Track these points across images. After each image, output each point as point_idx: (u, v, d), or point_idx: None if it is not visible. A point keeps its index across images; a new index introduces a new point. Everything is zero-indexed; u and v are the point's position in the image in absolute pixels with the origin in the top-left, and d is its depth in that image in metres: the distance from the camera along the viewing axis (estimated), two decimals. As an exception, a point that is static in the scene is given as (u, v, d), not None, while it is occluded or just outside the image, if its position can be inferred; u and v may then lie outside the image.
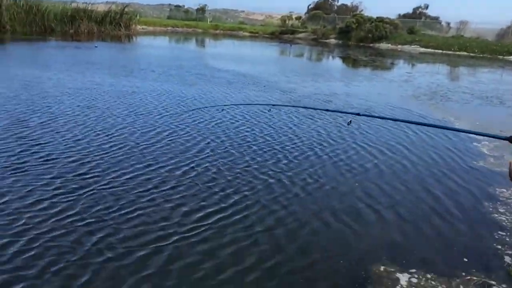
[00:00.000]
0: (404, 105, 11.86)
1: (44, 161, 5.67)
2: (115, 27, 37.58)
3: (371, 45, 40.55)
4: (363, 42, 41.38)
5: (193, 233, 4.19)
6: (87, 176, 5.30)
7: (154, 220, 4.37)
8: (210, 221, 4.43)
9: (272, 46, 36.57)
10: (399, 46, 39.66)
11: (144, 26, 45.16)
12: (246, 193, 5.16)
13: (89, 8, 36.44)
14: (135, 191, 4.96)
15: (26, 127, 7.09)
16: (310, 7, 57.11)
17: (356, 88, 14.62)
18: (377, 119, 8.53)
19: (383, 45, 40.38)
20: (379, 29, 41.00)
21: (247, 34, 50.02)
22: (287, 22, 50.75)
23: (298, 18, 52.25)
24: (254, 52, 30.84)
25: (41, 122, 7.40)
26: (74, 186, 4.99)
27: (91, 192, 4.86)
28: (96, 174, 5.38)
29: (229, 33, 49.88)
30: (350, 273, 3.77)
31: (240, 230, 4.31)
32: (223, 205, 4.81)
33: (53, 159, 5.79)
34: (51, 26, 32.81)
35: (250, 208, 4.77)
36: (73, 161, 5.77)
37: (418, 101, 12.86)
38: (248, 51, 31.43)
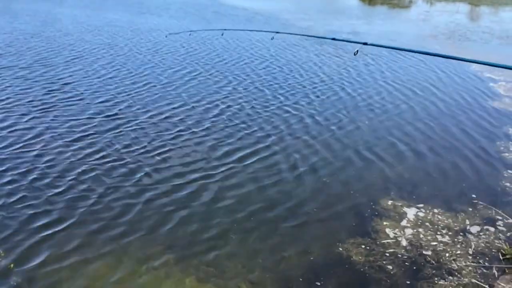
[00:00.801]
0: (420, 43, 11.52)
1: (77, 100, 5.71)
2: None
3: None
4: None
5: (234, 170, 4.29)
6: (120, 116, 5.31)
7: (194, 160, 4.43)
8: (252, 159, 4.52)
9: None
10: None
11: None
12: (284, 130, 5.25)
13: None
14: (170, 132, 4.98)
15: (52, 66, 7.07)
16: None
17: (373, 27, 14.18)
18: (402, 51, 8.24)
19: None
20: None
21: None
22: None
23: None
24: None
25: (67, 61, 7.36)
26: (108, 126, 5.01)
27: (125, 131, 4.89)
28: (129, 114, 5.39)
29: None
30: (357, 206, 3.86)
31: (270, 164, 4.40)
32: (261, 145, 4.86)
33: (83, 98, 5.79)
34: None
35: (284, 144, 4.86)
36: (105, 101, 5.74)
37: (435, 40, 12.46)
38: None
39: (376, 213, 3.76)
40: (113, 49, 8.33)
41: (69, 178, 3.91)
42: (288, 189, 4.06)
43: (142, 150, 4.47)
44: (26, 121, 4.90)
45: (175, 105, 5.74)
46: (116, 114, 5.27)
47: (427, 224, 3.66)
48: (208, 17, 13.59)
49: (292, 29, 12.45)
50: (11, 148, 4.29)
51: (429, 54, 3.00)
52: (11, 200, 3.55)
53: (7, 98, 5.51)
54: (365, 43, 3.38)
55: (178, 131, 4.99)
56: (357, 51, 3.43)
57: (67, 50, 8.03)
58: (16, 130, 4.70)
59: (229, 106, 5.89)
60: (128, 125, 5.01)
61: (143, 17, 12.57)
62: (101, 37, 9.34)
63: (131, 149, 4.51)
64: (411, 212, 3.82)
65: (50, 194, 3.66)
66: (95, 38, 9.24)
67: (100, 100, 5.65)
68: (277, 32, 4.65)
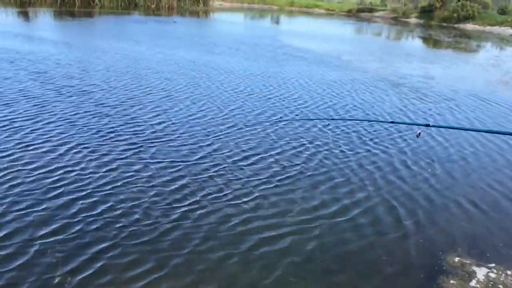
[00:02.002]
0: (490, 90, 11.11)
1: (168, 140, 6.11)
2: (194, 2, 38.57)
3: (456, 25, 38.00)
4: (447, 22, 38.87)
5: (331, 223, 4.35)
6: (210, 158, 5.57)
7: (287, 210, 4.57)
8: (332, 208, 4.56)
9: (348, 24, 35.49)
10: (487, 27, 36.78)
11: (221, 3, 45.77)
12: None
13: (171, -17, 37.47)
14: (260, 178, 5.04)
15: (142, 104, 7.57)
16: (391, -16, 54.36)
17: (438, 71, 13.88)
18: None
19: (469, 26, 37.66)
20: (465, 9, 38.22)
21: (323, 11, 48.89)
22: (365, -1, 48.85)
23: (378, -5, 50.06)
24: (330, 30, 30.14)
25: (156, 100, 7.83)
26: (198, 168, 5.18)
27: (214, 175, 5.06)
28: (218, 156, 5.64)
29: (305, 10, 49.08)
30: (423, 262, 3.72)
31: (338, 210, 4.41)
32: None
33: (172, 140, 6.15)
34: (135, 0, 34.36)
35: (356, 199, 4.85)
36: (194, 143, 5.85)
37: (506, 86, 11.98)
38: (324, 28, 30.77)
39: (442, 270, 3.60)
40: (198, 89, 8.73)
41: (161, 222, 4.05)
42: (347, 237, 4.01)
43: (230, 196, 4.48)
44: (119, 159, 5.15)
45: (263, 149, 5.80)
46: (205, 156, 5.38)
47: (499, 286, 3.44)
48: (280, 58, 14.09)
49: (357, 71, 12.50)
50: (112, 185, 4.51)
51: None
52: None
53: (101, 136, 5.83)
54: (427, 125, 3.27)
55: (268, 176, 4.99)
56: (419, 133, 3.29)
57: (156, 89, 8.47)
58: (110, 168, 4.96)
59: (318, 150, 5.94)
60: (217, 168, 5.07)
61: (219, 57, 13.14)
62: (184, 76, 9.87)
63: (221, 194, 4.53)
64: (481, 272, 3.62)
65: (152, 237, 3.74)
66: (179, 77, 9.76)
67: (190, 141, 5.80)
68: (332, 119, 4.71)
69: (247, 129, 6.51)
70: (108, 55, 11.97)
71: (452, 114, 8.36)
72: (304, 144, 6.07)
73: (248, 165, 5.24)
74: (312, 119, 7.30)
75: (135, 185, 4.47)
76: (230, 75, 10.54)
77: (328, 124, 6.62)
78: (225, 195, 4.47)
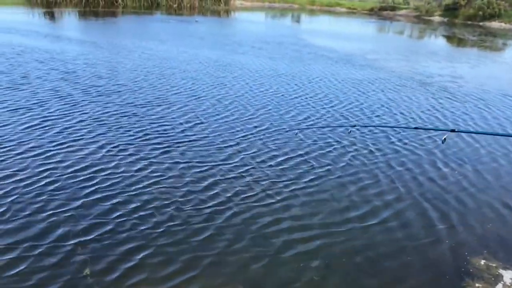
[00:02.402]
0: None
1: (202, 139, 6.22)
2: (215, 2, 38.71)
3: (481, 23, 37.20)
4: (472, 20, 38.09)
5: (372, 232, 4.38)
6: (245, 161, 5.70)
7: (321, 212, 4.61)
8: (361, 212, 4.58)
9: (370, 22, 35.14)
10: (515, 25, 35.88)
11: (242, 2, 45.84)
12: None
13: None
14: (298, 179, 5.24)
15: (174, 104, 7.74)
16: (414, -19, 53.53)
17: (465, 70, 13.65)
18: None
19: (495, 24, 36.82)
20: (491, 6, 37.37)
21: (344, 10, 48.50)
22: (388, -3, 48.22)
23: (401, -7, 49.34)
24: (352, 28, 29.89)
25: (188, 100, 8.03)
26: (233, 173, 5.35)
27: (247, 176, 5.19)
28: (251, 161, 5.68)
29: (326, 9, 48.78)
30: (448, 263, 3.70)
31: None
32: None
33: (208, 143, 6.27)
34: (157, 0, 34.69)
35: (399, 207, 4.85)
36: (231, 145, 5.95)
37: (536, 87, 11.69)
38: (346, 27, 30.55)
39: (467, 273, 3.58)
40: (224, 89, 8.82)
41: (191, 222, 4.16)
42: (377, 240, 4.00)
43: (259, 196, 4.52)
44: (149, 158, 5.27)
45: (290, 148, 5.83)
46: (233, 155, 5.44)
47: (533, 290, 3.40)
48: (304, 57, 14.13)
49: (382, 70, 12.40)
50: (143, 185, 4.64)
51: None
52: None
53: (130, 135, 5.97)
54: (452, 130, 3.21)
55: (296, 176, 5.02)
56: (445, 139, 3.24)
57: (182, 88, 8.58)
58: (140, 168, 5.07)
59: (346, 151, 5.94)
60: (245, 168, 5.13)
61: (243, 57, 13.20)
62: (209, 75, 9.98)
63: (250, 194, 4.61)
64: (507, 275, 3.59)
65: (183, 236, 3.83)
66: (204, 76, 9.89)
67: (218, 140, 5.88)
68: (354, 126, 4.71)
69: (274, 128, 6.55)
70: (134, 54, 12.16)
71: (481, 115, 8.23)
72: (332, 145, 6.08)
73: (276, 164, 5.29)
74: (338, 122, 7.29)
75: (164, 185, 4.55)
76: (255, 74, 10.60)
77: (354, 125, 6.60)
78: (253, 195, 4.51)
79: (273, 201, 4.45)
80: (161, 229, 3.80)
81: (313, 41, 19.08)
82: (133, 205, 4.12)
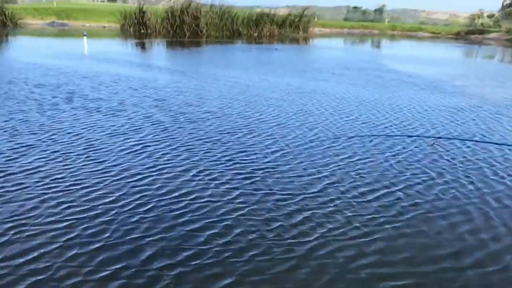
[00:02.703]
0: None
1: (295, 176, 6.30)
2: (294, 29, 39.36)
3: None
4: None
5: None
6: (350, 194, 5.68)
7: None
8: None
9: (457, 47, 33.52)
10: None
11: (321, 28, 46.18)
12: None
13: (272, 12, 38.88)
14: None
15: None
16: (505, 3, 50.56)
17: None
18: None
19: None
20: None
21: (427, 34, 46.91)
22: (476, 20, 45.93)
23: (491, 16, 46.79)
24: (437, 53, 28.69)
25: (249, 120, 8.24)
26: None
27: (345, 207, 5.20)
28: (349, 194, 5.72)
29: (408, 34, 47.54)
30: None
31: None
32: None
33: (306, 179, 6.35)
34: (238, 29, 36.08)
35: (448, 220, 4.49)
36: (330, 183, 6.19)
37: None
38: (430, 52, 29.40)
39: None
40: (309, 117, 8.77)
41: (284, 260, 4.14)
42: (471, 284, 3.63)
43: (353, 234, 4.38)
44: (239, 188, 5.35)
45: (387, 182, 5.57)
46: (325, 188, 5.32)
47: None
48: (388, 83, 13.78)
49: (476, 97, 11.67)
50: (234, 216, 4.74)
51: None
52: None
53: (220, 164, 6.11)
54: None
55: (394, 214, 4.77)
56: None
57: (268, 116, 8.68)
58: (231, 198, 5.17)
59: (451, 186, 5.65)
60: (337, 202, 5.00)
61: (325, 84, 13.19)
62: (293, 103, 10.05)
63: (343, 230, 4.54)
64: None
65: (274, 274, 3.89)
66: (289, 104, 9.98)
67: (307, 172, 5.79)
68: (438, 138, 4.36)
69: (367, 159, 6.33)
70: (219, 82, 12.61)
71: None
72: (433, 178, 5.72)
73: (360, 195, 5.07)
74: (426, 152, 6.89)
75: (247, 212, 4.53)
76: (340, 101, 10.46)
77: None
78: (337, 226, 4.33)
79: (357, 233, 4.24)
80: (244, 258, 3.75)
81: (396, 66, 18.56)
82: (216, 231, 4.14)
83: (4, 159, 5.68)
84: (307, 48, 30.67)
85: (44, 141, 6.48)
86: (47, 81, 11.49)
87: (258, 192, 5.04)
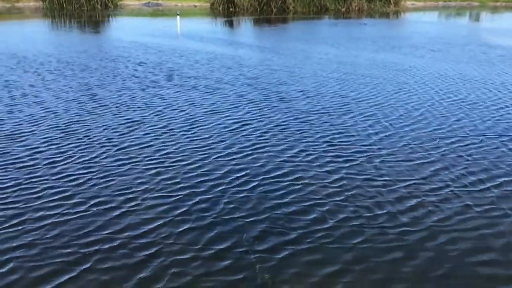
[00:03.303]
0: None
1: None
2: (384, 3, 37.44)
3: None
4: None
5: None
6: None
7: None
8: None
9: None
10: None
11: (413, 2, 43.40)
12: None
13: (361, -15, 37.22)
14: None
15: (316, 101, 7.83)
16: None
17: None
18: None
19: None
20: None
21: (537, 5, 42.06)
22: None
23: None
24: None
25: (334, 92, 8.05)
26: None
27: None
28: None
29: (513, 4, 42.98)
30: None
31: None
32: None
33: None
34: (326, 5, 35.10)
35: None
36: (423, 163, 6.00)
37: None
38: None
39: None
40: (412, 97, 8.39)
41: (395, 250, 4.03)
42: None
43: (470, 225, 4.17)
44: (341, 171, 5.27)
45: (507, 169, 5.14)
46: (436, 173, 5.12)
47: None
48: (495, 60, 12.72)
49: None
50: (339, 198, 4.69)
51: None
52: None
53: (318, 145, 6.08)
54: None
55: None
56: None
57: (366, 96, 8.46)
58: (334, 179, 5.10)
59: None
60: (450, 189, 4.72)
61: (424, 61, 12.46)
62: (392, 81, 9.67)
63: (460, 218, 4.33)
64: None
65: (387, 260, 3.82)
66: (387, 82, 9.61)
67: (415, 155, 5.54)
68: None
69: (481, 143, 5.87)
70: (311, 60, 12.42)
71: None
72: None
73: (491, 187, 4.63)
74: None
75: (358, 203, 4.33)
76: (445, 79, 9.80)
77: None
78: (465, 221, 3.99)
79: (477, 223, 3.93)
80: (347, 245, 3.60)
81: (501, 41, 16.90)
82: (318, 216, 4.04)
83: (117, 134, 6.10)
84: (399, 23, 29.04)
85: (151, 117, 6.86)
86: (147, 59, 12.12)
87: (361, 175, 4.87)
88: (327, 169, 5.05)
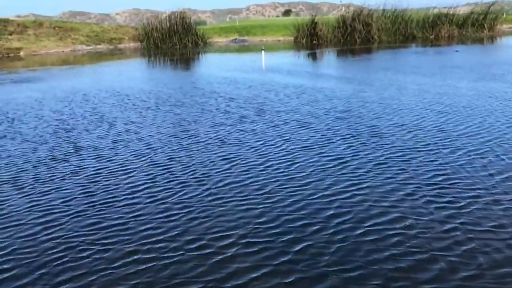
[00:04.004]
0: None
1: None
2: (477, 29, 35.52)
3: None
4: None
5: None
6: None
7: None
8: None
9: None
10: None
11: (510, 25, 40.57)
12: None
13: (451, 12, 35.78)
14: None
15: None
16: None
17: None
18: None
19: None
20: None
21: None
22: None
23: None
24: None
25: (436, 126, 7.47)
26: None
27: None
28: None
29: None
30: None
31: None
32: None
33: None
34: (413, 33, 34.07)
35: None
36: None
37: None
38: None
39: None
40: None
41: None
42: None
43: None
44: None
45: None
46: None
47: None
48: None
49: None
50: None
51: None
52: None
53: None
54: None
55: None
56: None
57: (476, 131, 7.69)
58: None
59: None
60: None
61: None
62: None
63: None
64: None
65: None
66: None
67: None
68: None
69: None
70: (405, 91, 11.87)
71: None
72: None
73: None
74: None
75: (483, 255, 3.87)
76: None
77: None
78: None
79: None
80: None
81: None
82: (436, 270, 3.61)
83: (214, 171, 6.12)
84: (494, 48, 27.16)
85: (247, 153, 6.83)
86: (238, 94, 12.37)
87: (479, 226, 4.31)
88: (439, 215, 4.56)
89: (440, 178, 5.51)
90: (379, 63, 20.56)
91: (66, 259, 3.98)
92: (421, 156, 6.37)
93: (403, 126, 8.11)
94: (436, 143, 6.98)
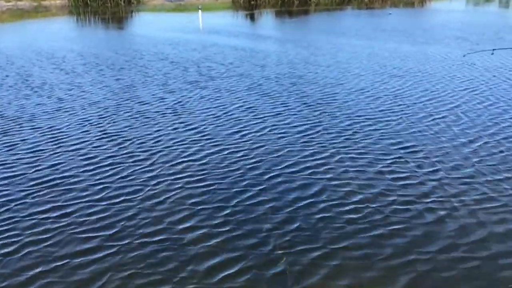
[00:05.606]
0: None
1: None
2: (409, -8, 36.61)
3: None
4: None
5: None
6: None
7: None
8: None
9: None
10: None
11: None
12: None
13: (385, -26, 36.42)
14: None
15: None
16: None
17: None
18: None
19: None
20: None
21: None
22: None
23: None
24: None
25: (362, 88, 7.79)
26: None
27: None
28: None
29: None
30: None
31: None
32: None
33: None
34: (348, -5, 34.51)
35: None
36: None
37: None
38: None
39: None
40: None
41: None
42: None
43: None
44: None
45: None
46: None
47: None
48: None
49: None
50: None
51: None
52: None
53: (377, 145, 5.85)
54: None
55: None
56: None
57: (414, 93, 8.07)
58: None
59: None
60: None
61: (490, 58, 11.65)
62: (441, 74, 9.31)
63: None
64: None
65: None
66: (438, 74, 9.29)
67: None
68: None
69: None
70: (343, 53, 12.11)
71: None
72: None
73: None
74: None
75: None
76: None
77: None
78: None
79: None
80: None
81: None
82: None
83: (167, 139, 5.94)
84: (425, 12, 28.26)
85: (198, 119, 6.69)
86: (180, 57, 11.98)
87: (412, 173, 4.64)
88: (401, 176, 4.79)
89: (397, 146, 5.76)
90: (319, 25, 20.62)
91: None
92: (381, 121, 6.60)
93: (362, 91, 8.23)
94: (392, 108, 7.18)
